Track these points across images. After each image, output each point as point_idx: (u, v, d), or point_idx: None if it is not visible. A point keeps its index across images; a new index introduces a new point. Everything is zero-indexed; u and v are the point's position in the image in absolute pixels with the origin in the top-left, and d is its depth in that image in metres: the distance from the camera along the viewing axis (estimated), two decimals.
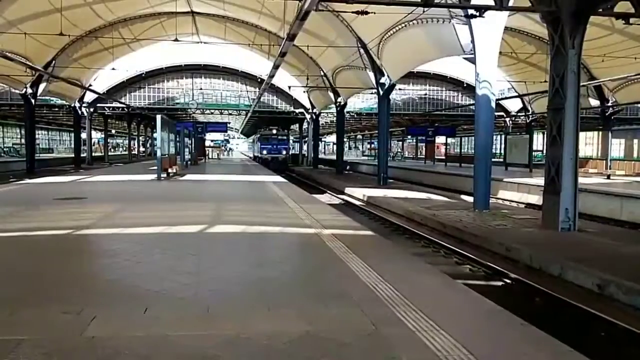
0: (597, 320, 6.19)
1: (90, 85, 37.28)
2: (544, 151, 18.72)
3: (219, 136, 65.88)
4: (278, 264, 5.87)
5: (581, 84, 11.03)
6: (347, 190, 22.53)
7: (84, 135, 44.43)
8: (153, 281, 4.98)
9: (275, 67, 20.69)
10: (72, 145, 50.69)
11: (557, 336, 3.82)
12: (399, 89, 41.43)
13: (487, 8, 11.44)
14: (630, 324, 5.90)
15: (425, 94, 46.77)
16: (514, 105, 43.48)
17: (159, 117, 18.56)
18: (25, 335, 3.54)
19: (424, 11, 15.30)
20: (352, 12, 13.14)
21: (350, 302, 4.41)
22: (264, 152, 40.59)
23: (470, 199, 16.00)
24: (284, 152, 41.12)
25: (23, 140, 47.34)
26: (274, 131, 42.04)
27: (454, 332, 3.72)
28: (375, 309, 4.24)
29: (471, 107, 36.80)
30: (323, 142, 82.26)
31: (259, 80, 42.53)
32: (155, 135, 22.67)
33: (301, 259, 6.62)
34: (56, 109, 46.06)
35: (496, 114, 19.09)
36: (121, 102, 43.32)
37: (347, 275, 5.32)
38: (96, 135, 71.33)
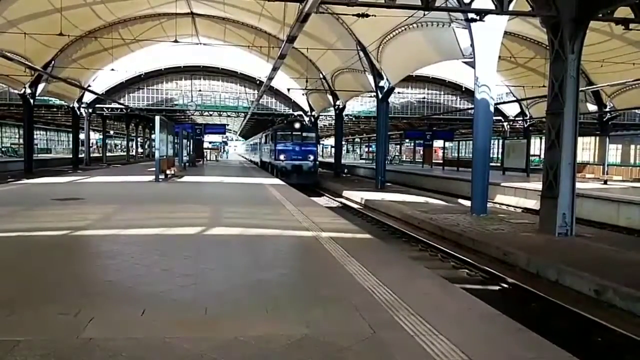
0: (595, 326, 6.19)
1: (89, 85, 37.28)
2: (542, 156, 18.72)
3: (216, 138, 65.69)
4: (276, 267, 5.86)
5: (580, 89, 11.07)
6: (345, 193, 22.54)
7: (82, 136, 44.37)
8: (151, 283, 4.97)
9: (275, 69, 20.70)
10: (70, 146, 50.64)
11: (555, 341, 3.82)
12: (398, 93, 41.51)
13: (488, 12, 11.48)
14: (628, 330, 5.90)
15: (424, 98, 46.87)
16: (512, 110, 43.60)
17: (157, 118, 18.54)
18: (23, 337, 3.52)
19: (424, 15, 15.35)
20: (353, 15, 13.18)
21: (348, 306, 4.40)
22: (281, 157, 27.35)
23: (467, 203, 16.02)
24: (312, 158, 27.69)
25: (21, 140, 47.26)
26: (297, 125, 28.81)
27: (452, 336, 3.72)
28: (373, 312, 4.23)
29: (469, 111, 36.88)
30: (321, 145, 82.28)
31: (258, 82, 42.46)
32: (153, 136, 22.59)
33: (299, 262, 6.61)
34: (55, 110, 46.07)
35: (494, 118, 19.13)
36: (120, 103, 43.30)
37: (345, 279, 5.31)
38: (95, 136, 71.32)
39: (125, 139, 63.69)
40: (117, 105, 43.89)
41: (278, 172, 26.82)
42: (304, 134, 28.25)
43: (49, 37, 23.74)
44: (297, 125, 28.69)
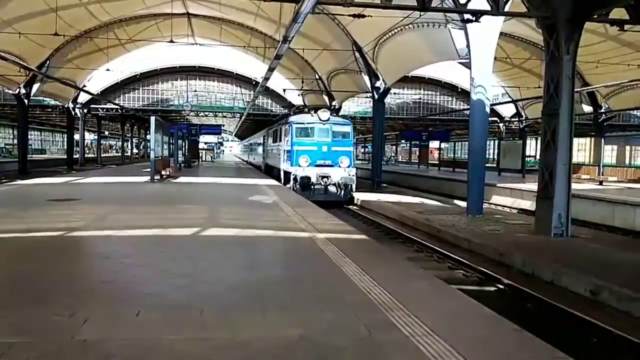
0: (590, 326, 6.20)
1: (84, 86, 37.12)
2: (537, 157, 18.77)
3: (212, 138, 65.52)
4: (272, 268, 5.86)
5: (575, 89, 11.10)
6: None
7: (77, 137, 44.19)
8: (146, 284, 4.94)
9: (271, 69, 20.68)
10: (65, 146, 50.41)
11: (551, 342, 3.81)
12: (394, 93, 41.46)
13: (484, 13, 11.51)
14: (624, 330, 5.91)
15: (420, 99, 46.85)
16: (507, 111, 43.69)
17: (152, 118, 18.47)
18: (16, 339, 3.49)
19: (420, 15, 15.37)
20: (349, 15, 13.19)
21: (344, 307, 4.39)
22: (302, 160, 18.79)
23: (463, 203, 16.03)
24: (346, 163, 19.12)
25: (15, 141, 47.04)
26: (324, 116, 19.45)
27: (448, 337, 3.71)
28: (369, 313, 4.22)
29: (465, 112, 36.96)
30: None
31: (254, 82, 42.36)
32: (148, 137, 22.45)
33: (295, 263, 6.58)
34: (49, 110, 45.80)
35: (490, 119, 19.16)
36: (115, 103, 43.15)
37: (341, 280, 5.30)
38: (89, 137, 71.05)
39: (120, 139, 63.42)
40: (112, 106, 43.74)
41: (294, 182, 18.67)
42: (335, 129, 19.45)
43: (44, 37, 23.65)
44: (323, 115, 19.44)
